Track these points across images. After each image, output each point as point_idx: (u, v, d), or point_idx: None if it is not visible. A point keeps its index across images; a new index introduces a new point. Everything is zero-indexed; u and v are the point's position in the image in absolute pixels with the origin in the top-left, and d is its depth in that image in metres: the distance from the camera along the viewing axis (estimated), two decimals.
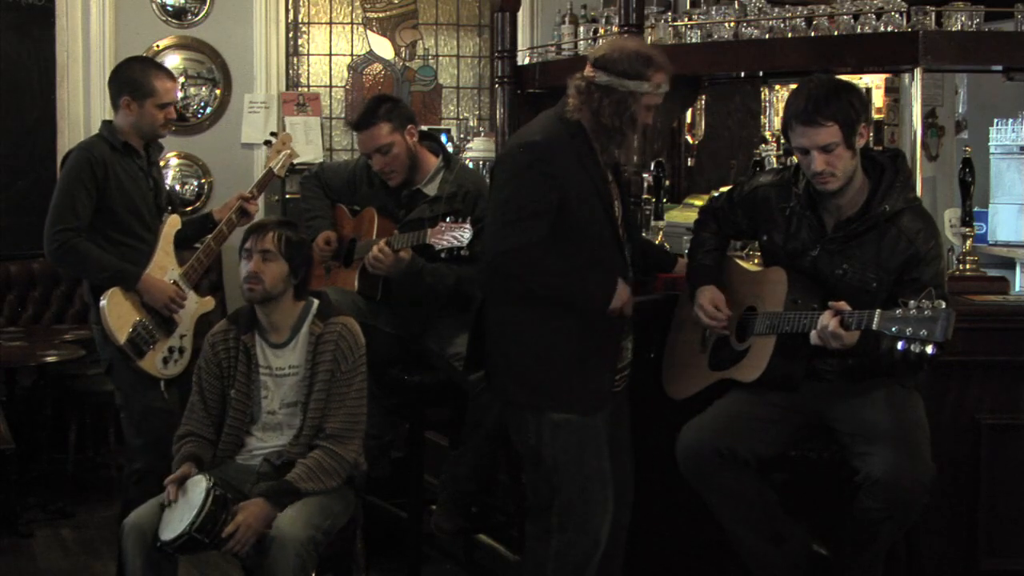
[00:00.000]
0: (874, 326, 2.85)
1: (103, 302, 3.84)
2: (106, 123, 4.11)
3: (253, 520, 3.21)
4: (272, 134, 5.31)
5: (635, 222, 3.70)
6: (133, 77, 4.01)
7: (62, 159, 4.04)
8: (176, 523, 3.17)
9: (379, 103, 4.03)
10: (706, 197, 4.18)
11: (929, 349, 2.78)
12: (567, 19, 5.07)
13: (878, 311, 2.86)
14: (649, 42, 4.20)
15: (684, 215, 4.26)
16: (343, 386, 3.42)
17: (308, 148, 6.50)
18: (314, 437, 3.40)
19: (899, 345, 2.81)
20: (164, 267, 4.00)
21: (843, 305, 2.94)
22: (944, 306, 2.76)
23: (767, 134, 4.91)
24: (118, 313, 3.86)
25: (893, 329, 2.81)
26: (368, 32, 6.83)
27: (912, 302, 2.79)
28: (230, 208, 4.16)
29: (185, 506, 3.19)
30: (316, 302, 3.52)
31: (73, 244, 3.84)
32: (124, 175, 3.97)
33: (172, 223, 4.09)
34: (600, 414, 3.31)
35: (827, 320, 2.94)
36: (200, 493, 3.18)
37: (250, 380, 3.46)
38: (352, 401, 3.42)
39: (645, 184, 4.14)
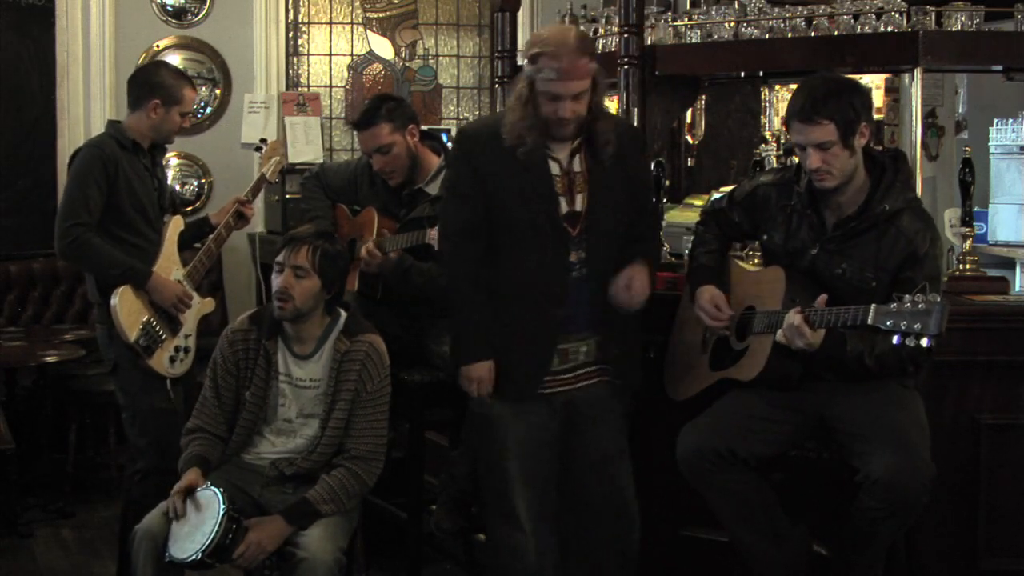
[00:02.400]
0: (869, 320, 2.85)
1: (114, 300, 3.84)
2: (113, 122, 4.13)
3: (266, 539, 3.18)
4: (262, 140, 5.33)
5: (624, 217, 3.34)
6: (166, 83, 4.03)
7: (71, 156, 4.05)
8: (187, 542, 3.14)
9: (380, 103, 4.03)
10: (706, 197, 4.19)
11: (924, 342, 2.78)
12: (567, 19, 5.06)
13: (873, 305, 2.86)
14: (649, 42, 4.20)
15: (684, 215, 4.26)
16: (369, 407, 3.38)
17: (308, 148, 6.51)
18: (332, 455, 3.37)
19: (895, 339, 2.82)
20: (168, 268, 4.01)
21: (822, 300, 2.95)
22: (938, 299, 2.77)
23: (767, 134, 4.91)
24: (128, 310, 3.87)
25: (888, 323, 2.81)
26: (368, 32, 6.83)
27: (907, 296, 2.80)
28: (227, 212, 4.18)
29: (197, 526, 3.14)
30: (343, 316, 3.48)
31: (86, 239, 3.84)
32: (132, 173, 3.98)
33: (176, 224, 4.11)
34: (510, 414, 3.30)
35: (791, 317, 2.95)
36: (213, 517, 3.13)
37: (268, 385, 3.42)
38: (377, 422, 3.40)
39: None
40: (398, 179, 4.04)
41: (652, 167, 4.05)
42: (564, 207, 3.26)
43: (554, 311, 3.27)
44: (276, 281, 3.38)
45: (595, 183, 3.27)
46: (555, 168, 3.27)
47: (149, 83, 4.06)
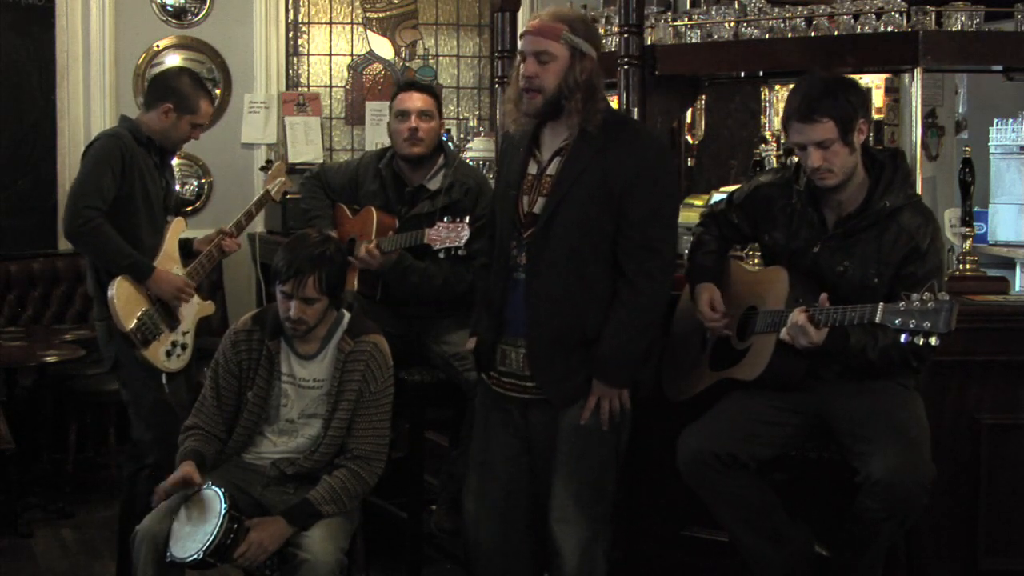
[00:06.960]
0: (877, 319, 2.85)
1: (111, 290, 3.86)
2: (126, 118, 4.13)
3: (267, 539, 3.18)
4: (268, 162, 5.59)
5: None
6: (183, 90, 4.03)
7: (86, 146, 4.05)
8: (188, 541, 3.14)
9: None
10: (706, 197, 4.18)
11: (933, 340, 2.78)
12: None
13: (881, 304, 2.86)
14: (649, 42, 4.20)
15: (684, 215, 4.23)
16: (372, 407, 3.38)
17: (308, 148, 6.52)
18: (334, 455, 3.38)
19: (903, 338, 2.81)
20: (168, 267, 4.02)
21: (824, 299, 2.96)
22: (947, 298, 2.77)
23: (767, 134, 4.91)
24: (126, 300, 3.88)
25: (896, 322, 2.81)
26: (368, 32, 6.83)
27: (915, 295, 2.80)
28: (210, 242, 4.16)
29: (199, 526, 3.15)
30: (346, 316, 3.48)
31: (98, 223, 3.83)
32: (145, 169, 3.99)
33: (178, 225, 4.12)
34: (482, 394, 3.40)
35: (795, 316, 2.95)
36: (215, 516, 3.13)
37: (270, 385, 3.43)
38: (380, 422, 3.40)
39: None
40: (423, 149, 4.06)
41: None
42: (526, 206, 3.21)
43: (497, 305, 3.27)
44: (286, 308, 3.34)
45: (556, 191, 3.14)
46: (533, 167, 3.24)
47: (166, 86, 4.06)
